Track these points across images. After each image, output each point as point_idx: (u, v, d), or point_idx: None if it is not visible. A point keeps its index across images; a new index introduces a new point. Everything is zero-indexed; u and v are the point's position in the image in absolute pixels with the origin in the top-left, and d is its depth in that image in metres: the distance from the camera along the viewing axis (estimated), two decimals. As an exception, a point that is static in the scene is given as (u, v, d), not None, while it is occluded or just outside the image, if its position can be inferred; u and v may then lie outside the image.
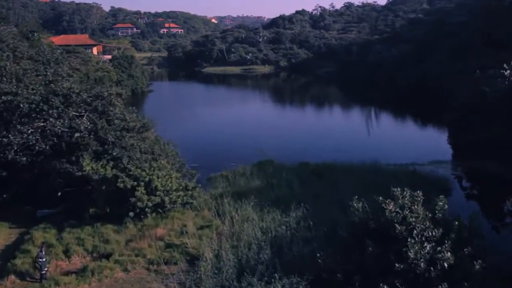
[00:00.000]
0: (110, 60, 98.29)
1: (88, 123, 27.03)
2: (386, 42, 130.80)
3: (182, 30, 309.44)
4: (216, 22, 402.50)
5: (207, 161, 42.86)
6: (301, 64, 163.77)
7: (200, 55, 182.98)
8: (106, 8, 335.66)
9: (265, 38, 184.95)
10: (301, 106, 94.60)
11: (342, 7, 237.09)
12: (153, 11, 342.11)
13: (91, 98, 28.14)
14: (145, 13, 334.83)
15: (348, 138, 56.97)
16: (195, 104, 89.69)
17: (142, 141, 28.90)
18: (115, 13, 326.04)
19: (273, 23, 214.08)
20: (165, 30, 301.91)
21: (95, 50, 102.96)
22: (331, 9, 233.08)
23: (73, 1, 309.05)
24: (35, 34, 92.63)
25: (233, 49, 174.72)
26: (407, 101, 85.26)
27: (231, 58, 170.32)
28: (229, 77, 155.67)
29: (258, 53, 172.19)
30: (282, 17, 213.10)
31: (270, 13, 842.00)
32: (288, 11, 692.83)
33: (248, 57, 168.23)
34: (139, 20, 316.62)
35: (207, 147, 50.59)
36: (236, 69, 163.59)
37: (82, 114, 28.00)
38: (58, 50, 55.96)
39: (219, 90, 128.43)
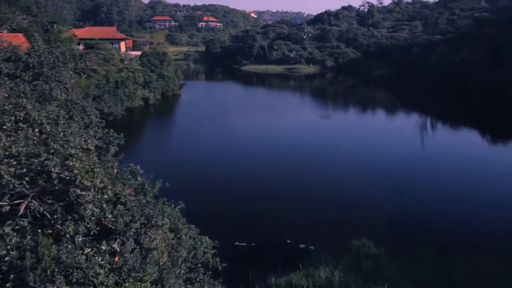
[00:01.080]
0: (140, 57, 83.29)
1: None
2: (451, 43, 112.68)
3: (220, 24, 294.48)
4: (255, 16, 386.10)
5: (255, 228, 27.02)
6: (349, 65, 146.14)
7: (239, 51, 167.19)
8: (146, 0, 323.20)
9: (310, 35, 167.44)
10: (361, 120, 76.93)
11: (391, 3, 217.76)
12: (192, 4, 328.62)
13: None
14: (184, 5, 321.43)
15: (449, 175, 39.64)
16: (233, 114, 73.38)
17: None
18: (154, 5, 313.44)
19: (318, 19, 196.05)
20: (203, 23, 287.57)
21: (123, 45, 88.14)
22: (379, 5, 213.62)
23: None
24: (55, 26, 78.72)
25: (275, 46, 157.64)
26: (488, 114, 68.06)
27: (273, 56, 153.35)
28: (270, 76, 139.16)
29: (302, 51, 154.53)
30: (327, 13, 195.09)
31: (310, 9, 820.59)
32: (329, 7, 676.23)
33: (292, 55, 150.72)
34: (178, 12, 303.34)
35: (251, 196, 34.17)
36: (278, 68, 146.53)
37: None
38: (59, 49, 40.61)
39: (260, 93, 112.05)
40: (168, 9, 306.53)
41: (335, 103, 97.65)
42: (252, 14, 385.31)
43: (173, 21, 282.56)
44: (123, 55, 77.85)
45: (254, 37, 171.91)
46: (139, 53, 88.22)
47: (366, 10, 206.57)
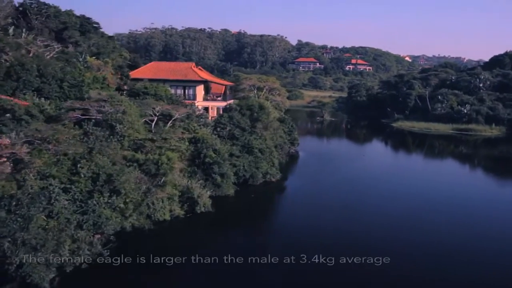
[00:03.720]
0: (221, 113, 50.14)
1: None
2: None
3: (370, 68, 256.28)
4: (410, 60, 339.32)
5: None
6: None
7: (390, 101, 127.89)
8: (293, 42, 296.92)
9: (487, 83, 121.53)
10: None
11: None
12: (340, 46, 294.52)
13: None
14: (331, 47, 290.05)
15: None
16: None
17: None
18: (301, 46, 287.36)
19: (495, 62, 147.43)
20: (351, 66, 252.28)
21: (199, 91, 54.27)
22: None
23: (263, 34, 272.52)
24: (83, 56, 49.79)
25: (439, 97, 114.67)
26: None
27: (436, 110, 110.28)
28: (432, 138, 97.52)
29: (478, 104, 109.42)
30: (509, 54, 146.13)
31: (471, 54, 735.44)
32: (494, 52, 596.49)
33: (464, 111, 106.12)
34: (324, 54, 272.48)
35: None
36: (444, 128, 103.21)
37: None
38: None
39: (422, 172, 71.18)
40: (314, 50, 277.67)
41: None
42: (406, 58, 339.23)
43: (318, 63, 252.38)
44: (191, 107, 44.29)
45: (410, 83, 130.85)
46: (224, 103, 54.66)
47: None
